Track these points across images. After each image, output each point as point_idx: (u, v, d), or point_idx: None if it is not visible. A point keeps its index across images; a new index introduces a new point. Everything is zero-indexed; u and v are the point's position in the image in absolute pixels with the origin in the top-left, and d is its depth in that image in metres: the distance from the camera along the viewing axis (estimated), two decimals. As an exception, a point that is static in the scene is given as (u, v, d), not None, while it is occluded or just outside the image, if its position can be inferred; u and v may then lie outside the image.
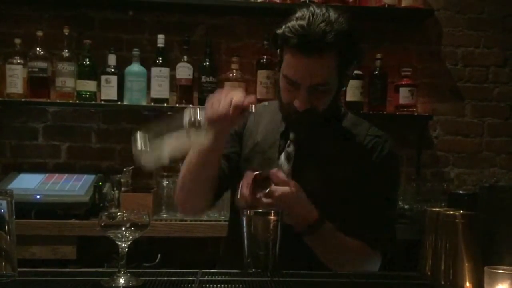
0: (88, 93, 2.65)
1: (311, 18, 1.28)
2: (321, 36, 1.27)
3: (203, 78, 2.70)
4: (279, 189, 1.31)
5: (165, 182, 2.54)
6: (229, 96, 1.29)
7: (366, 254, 1.42)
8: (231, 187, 1.56)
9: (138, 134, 1.29)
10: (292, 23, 1.30)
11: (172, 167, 2.71)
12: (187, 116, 1.29)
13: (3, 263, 1.09)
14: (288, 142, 1.47)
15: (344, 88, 1.49)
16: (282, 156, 1.46)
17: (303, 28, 1.28)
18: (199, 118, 1.29)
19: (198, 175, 1.43)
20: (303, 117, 1.36)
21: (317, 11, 1.29)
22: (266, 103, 1.66)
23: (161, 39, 2.68)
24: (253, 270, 1.26)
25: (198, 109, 1.30)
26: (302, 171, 1.43)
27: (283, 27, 1.32)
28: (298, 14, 1.31)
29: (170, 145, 1.30)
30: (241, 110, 1.28)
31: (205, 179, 1.44)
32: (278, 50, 1.40)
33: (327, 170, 1.42)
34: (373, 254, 1.43)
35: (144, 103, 2.69)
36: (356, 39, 1.34)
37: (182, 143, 1.30)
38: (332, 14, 1.30)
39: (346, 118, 1.52)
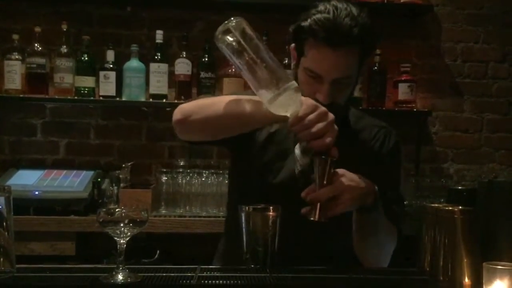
0: (86, 89, 2.65)
1: (335, 12, 1.29)
2: (347, 30, 1.28)
3: (202, 74, 2.69)
4: (339, 183, 1.25)
5: (164, 178, 2.54)
6: (330, 125, 1.21)
7: (393, 231, 1.44)
8: (230, 181, 1.57)
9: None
10: (318, 16, 1.30)
11: (170, 163, 2.73)
12: (295, 86, 1.19)
13: (2, 260, 1.09)
14: None
15: (358, 83, 1.51)
16: (297, 150, 1.45)
17: (329, 21, 1.28)
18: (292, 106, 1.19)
19: (237, 124, 1.35)
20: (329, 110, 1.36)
21: (339, 5, 1.31)
22: None
23: (159, 35, 2.68)
24: (252, 266, 1.26)
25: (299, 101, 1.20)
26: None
27: (308, 20, 1.32)
28: (321, 7, 1.32)
29: None
30: (324, 150, 1.22)
31: (238, 130, 1.38)
32: (293, 45, 1.40)
33: (345, 161, 1.39)
34: (395, 231, 1.45)
35: (142, 99, 2.69)
36: (376, 34, 1.38)
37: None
38: (354, 9, 1.32)
39: (350, 112, 1.55)
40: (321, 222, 1.24)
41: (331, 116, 1.21)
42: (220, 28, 1.21)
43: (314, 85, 1.34)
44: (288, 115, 1.21)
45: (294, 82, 1.21)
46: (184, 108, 1.41)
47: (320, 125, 1.19)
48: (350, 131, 1.50)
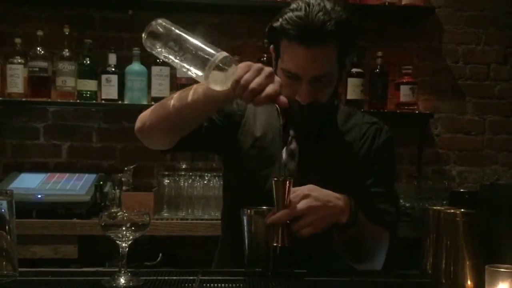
0: (88, 93, 2.65)
1: (307, 8, 1.25)
2: (320, 26, 1.24)
3: (204, 77, 2.69)
4: (300, 204, 1.20)
5: (166, 181, 2.54)
6: (269, 77, 1.14)
7: (384, 237, 1.41)
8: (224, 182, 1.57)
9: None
10: (289, 15, 1.27)
11: (172, 166, 2.73)
12: (220, 58, 1.13)
13: (4, 263, 1.09)
14: (290, 138, 1.44)
15: (342, 80, 1.45)
16: (284, 154, 1.42)
17: (301, 18, 1.25)
18: (226, 68, 1.13)
19: (188, 113, 1.30)
20: (306, 111, 1.33)
21: (312, 1, 1.27)
22: None
23: (161, 38, 2.68)
24: (254, 269, 1.26)
25: (230, 60, 1.14)
26: (308, 167, 1.41)
27: (280, 20, 1.29)
28: (293, 6, 1.28)
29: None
30: (268, 101, 1.14)
31: (192, 120, 1.33)
32: (272, 46, 1.37)
33: (333, 164, 1.41)
34: (387, 235, 1.42)
35: (145, 102, 2.69)
36: (354, 28, 1.32)
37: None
38: (328, 4, 1.27)
39: (340, 110, 1.51)
40: (285, 247, 1.19)
41: (268, 69, 1.15)
42: (143, 36, 1.24)
43: (293, 85, 1.31)
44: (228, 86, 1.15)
45: (221, 53, 1.14)
46: (141, 116, 1.41)
47: (258, 80, 1.12)
48: (338, 131, 1.46)
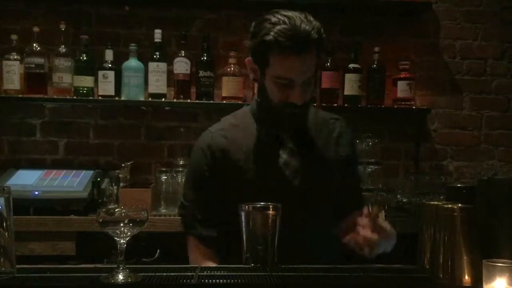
0: (85, 89, 2.65)
1: (290, 21, 1.39)
2: (307, 36, 1.40)
3: (201, 73, 2.69)
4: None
5: (164, 178, 2.54)
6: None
7: None
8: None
9: None
10: (278, 28, 1.39)
11: (170, 162, 2.72)
12: None
13: (2, 260, 1.09)
14: (285, 139, 1.54)
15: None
16: (284, 155, 1.52)
17: (290, 30, 1.39)
18: None
19: None
20: (299, 109, 1.48)
21: (290, 14, 1.41)
22: (233, 115, 1.67)
23: (158, 34, 2.67)
24: (252, 265, 1.26)
25: None
26: (309, 162, 1.53)
27: (271, 33, 1.40)
28: (273, 20, 1.41)
29: None
30: None
31: None
32: (250, 58, 1.51)
33: (323, 158, 1.56)
34: None
35: (141, 98, 2.68)
36: (324, 33, 1.47)
37: None
38: (302, 15, 1.42)
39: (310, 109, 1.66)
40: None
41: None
42: None
43: (285, 90, 1.45)
44: None
45: None
46: None
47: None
48: (313, 132, 1.60)
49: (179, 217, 1.64)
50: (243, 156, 1.53)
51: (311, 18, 1.43)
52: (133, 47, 2.67)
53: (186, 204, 1.57)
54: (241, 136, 1.57)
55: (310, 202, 1.51)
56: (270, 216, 1.27)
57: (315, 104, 2.58)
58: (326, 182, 1.53)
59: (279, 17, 1.41)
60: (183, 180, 2.50)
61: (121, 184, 2.48)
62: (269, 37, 1.40)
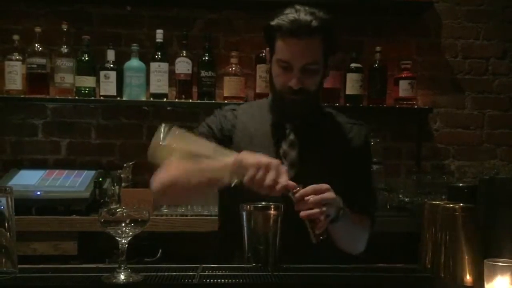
0: (87, 89, 2.65)
1: (297, 10, 1.49)
2: (308, 23, 1.47)
3: (202, 73, 2.69)
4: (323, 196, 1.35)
5: (165, 177, 2.54)
6: (277, 171, 1.31)
7: (368, 225, 1.59)
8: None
9: (163, 127, 1.38)
10: (283, 16, 1.50)
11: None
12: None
13: (4, 260, 1.09)
14: (288, 131, 1.57)
15: (326, 76, 1.63)
16: (284, 146, 1.55)
17: (293, 16, 1.48)
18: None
19: (198, 191, 1.53)
20: (298, 96, 1.51)
21: (300, 7, 1.50)
22: (250, 103, 1.80)
23: (159, 34, 2.67)
24: (254, 264, 1.26)
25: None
26: (308, 156, 1.55)
27: (275, 19, 1.51)
28: (285, 11, 1.51)
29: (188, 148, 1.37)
30: (283, 191, 1.30)
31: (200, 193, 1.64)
32: (268, 49, 1.57)
33: (326, 154, 1.57)
34: (371, 223, 1.61)
35: (143, 99, 2.69)
36: (336, 29, 1.54)
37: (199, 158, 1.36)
38: (313, 9, 1.49)
39: (326, 109, 1.71)
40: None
41: (274, 162, 1.31)
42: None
43: (286, 75, 1.51)
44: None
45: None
46: (157, 185, 1.54)
47: (270, 176, 1.28)
48: (322, 130, 1.63)
49: None
50: (247, 139, 1.58)
51: (322, 13, 1.49)
52: (134, 47, 2.68)
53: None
54: (250, 121, 1.63)
55: None
56: (272, 216, 1.27)
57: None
58: (323, 179, 1.49)
59: (290, 8, 1.50)
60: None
61: (123, 184, 2.48)
62: (273, 22, 1.50)
